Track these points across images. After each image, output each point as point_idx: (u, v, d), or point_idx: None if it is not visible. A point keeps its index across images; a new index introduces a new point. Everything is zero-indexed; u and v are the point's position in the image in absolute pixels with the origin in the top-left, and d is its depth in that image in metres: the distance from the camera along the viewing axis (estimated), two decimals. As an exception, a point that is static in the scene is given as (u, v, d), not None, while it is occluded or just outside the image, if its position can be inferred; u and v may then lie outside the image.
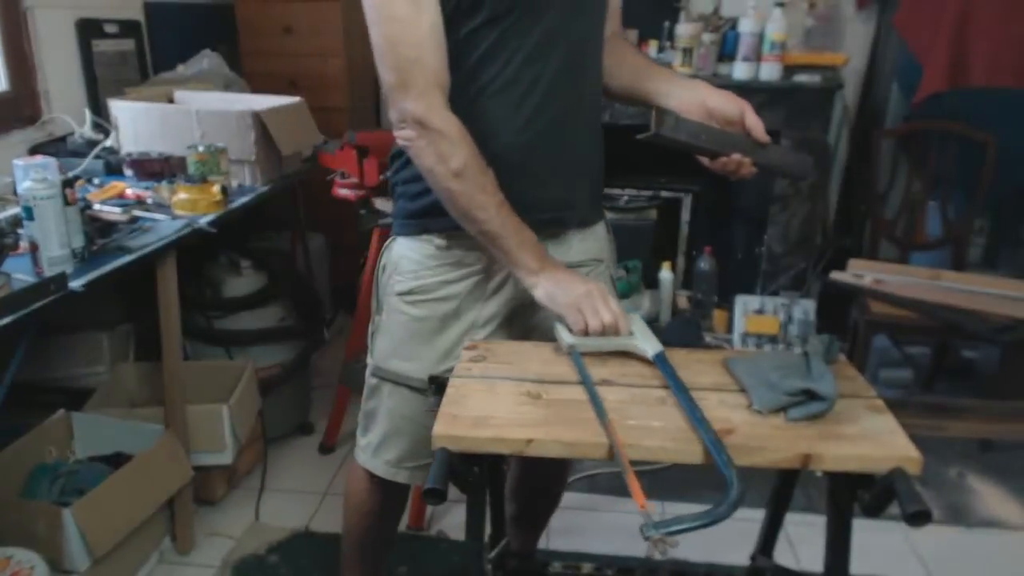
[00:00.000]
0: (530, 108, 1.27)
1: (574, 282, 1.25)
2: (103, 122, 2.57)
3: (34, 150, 2.38)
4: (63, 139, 2.50)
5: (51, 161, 1.78)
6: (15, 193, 1.95)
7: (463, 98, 1.24)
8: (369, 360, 1.48)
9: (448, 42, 1.21)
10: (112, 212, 1.96)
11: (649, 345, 1.28)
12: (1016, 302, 2.43)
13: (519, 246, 1.24)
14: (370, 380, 1.48)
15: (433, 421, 1.37)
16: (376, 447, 1.49)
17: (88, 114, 2.56)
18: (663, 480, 2.34)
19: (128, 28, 2.85)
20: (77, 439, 2.12)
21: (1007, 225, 3.26)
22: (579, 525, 2.25)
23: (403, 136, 1.24)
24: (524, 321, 1.44)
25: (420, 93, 1.19)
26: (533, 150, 1.29)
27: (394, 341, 1.43)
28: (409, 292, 1.40)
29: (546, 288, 1.25)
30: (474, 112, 1.25)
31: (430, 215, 1.34)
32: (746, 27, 3.04)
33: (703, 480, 2.30)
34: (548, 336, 1.34)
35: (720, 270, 3.40)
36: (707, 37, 3.11)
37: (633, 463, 1.01)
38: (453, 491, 1.04)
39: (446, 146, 1.20)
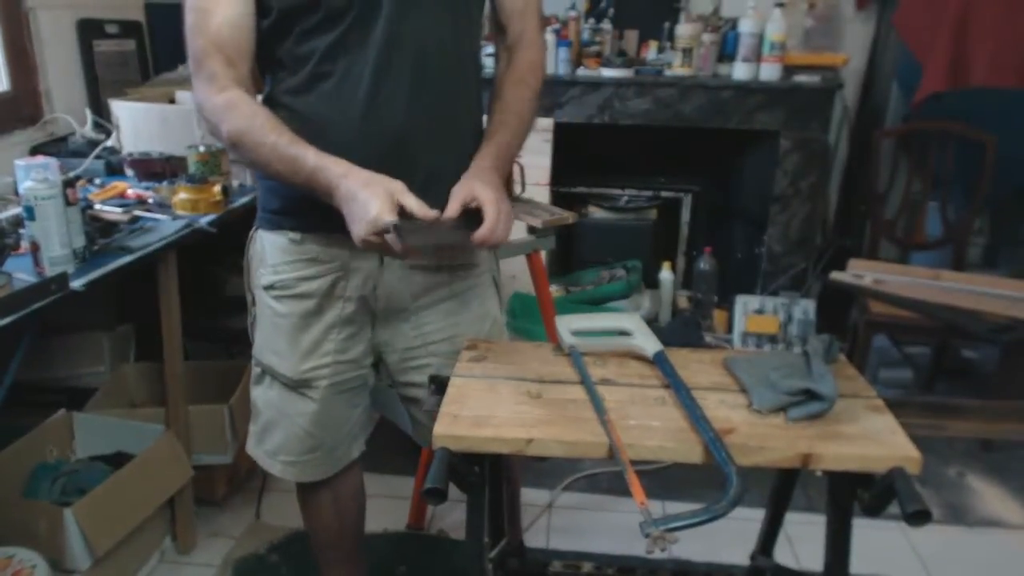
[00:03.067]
0: (360, 111, 1.24)
1: (360, 209, 1.12)
2: (104, 122, 2.57)
3: (35, 150, 2.38)
4: (64, 139, 2.50)
5: (52, 161, 1.78)
6: (16, 193, 1.95)
7: (300, 92, 1.27)
8: (253, 348, 1.49)
9: (285, 38, 1.25)
10: (113, 212, 1.96)
11: (649, 344, 1.29)
12: (1016, 302, 2.43)
13: (312, 184, 1.18)
14: (255, 368, 1.49)
15: (306, 419, 1.42)
16: (258, 436, 1.51)
17: (89, 114, 2.56)
18: (663, 480, 2.34)
19: (129, 28, 2.85)
20: (78, 439, 2.12)
21: (1007, 225, 3.27)
22: (579, 525, 2.25)
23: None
24: (393, 322, 1.41)
25: (206, 78, 1.24)
26: (367, 156, 1.21)
27: (264, 334, 1.44)
28: (271, 287, 1.40)
29: (348, 224, 1.15)
30: (309, 108, 1.26)
31: (285, 211, 1.35)
32: (746, 27, 3.04)
33: (703, 480, 2.31)
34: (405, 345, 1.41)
35: (720, 270, 3.41)
36: (707, 37, 3.12)
37: (633, 462, 1.02)
38: (453, 490, 1.05)
39: (218, 117, 1.22)
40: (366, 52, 1.23)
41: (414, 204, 1.12)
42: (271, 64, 1.30)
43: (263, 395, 1.48)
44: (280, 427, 1.47)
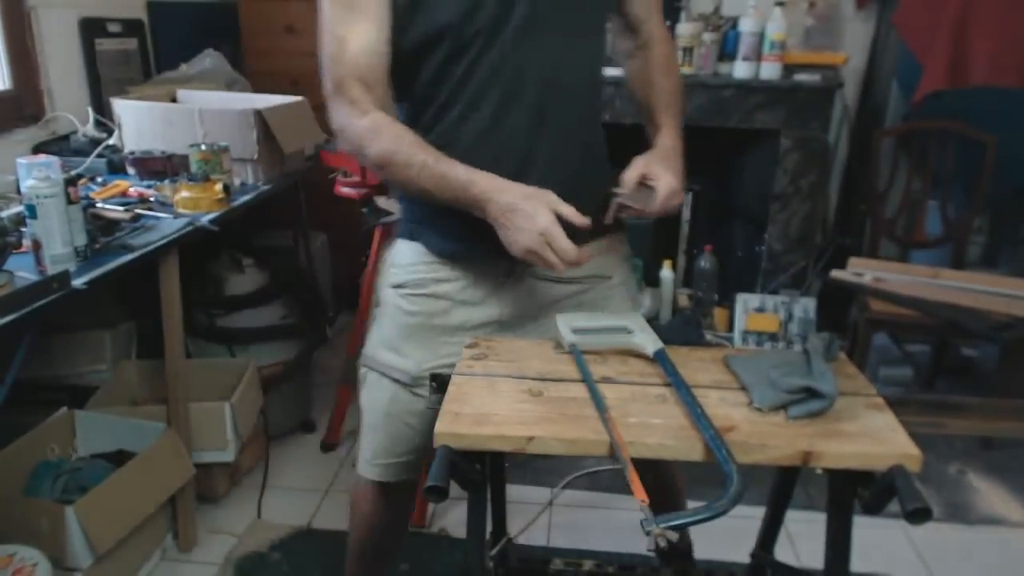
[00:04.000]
0: (484, 138, 1.30)
1: (525, 220, 1.18)
2: (106, 121, 2.58)
3: (37, 148, 2.38)
4: (66, 138, 2.50)
5: (54, 160, 1.79)
6: (18, 191, 1.95)
7: (429, 120, 1.32)
8: (363, 350, 1.50)
9: (413, 67, 1.29)
10: (115, 210, 1.97)
11: (650, 342, 1.29)
12: (1015, 300, 2.44)
13: (462, 199, 1.23)
14: (360, 370, 1.50)
15: (416, 418, 1.39)
16: (362, 445, 1.52)
17: (91, 113, 2.56)
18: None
19: (131, 27, 2.85)
20: (80, 437, 2.13)
21: (1007, 224, 3.27)
22: (580, 522, 2.26)
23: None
24: (518, 330, 1.44)
25: (348, 102, 1.27)
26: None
27: (384, 332, 1.45)
28: (402, 285, 1.42)
29: (504, 235, 1.22)
30: (437, 136, 1.30)
31: (423, 222, 1.40)
32: (746, 26, 3.04)
33: (703, 478, 2.29)
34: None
35: (720, 268, 3.41)
36: (707, 36, 3.11)
37: (634, 460, 1.02)
38: (454, 488, 1.05)
39: (364, 140, 1.27)
40: (491, 81, 1.27)
41: (569, 212, 1.19)
42: (401, 92, 1.34)
43: (367, 397, 1.48)
44: (382, 430, 1.47)
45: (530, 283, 1.42)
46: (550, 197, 1.20)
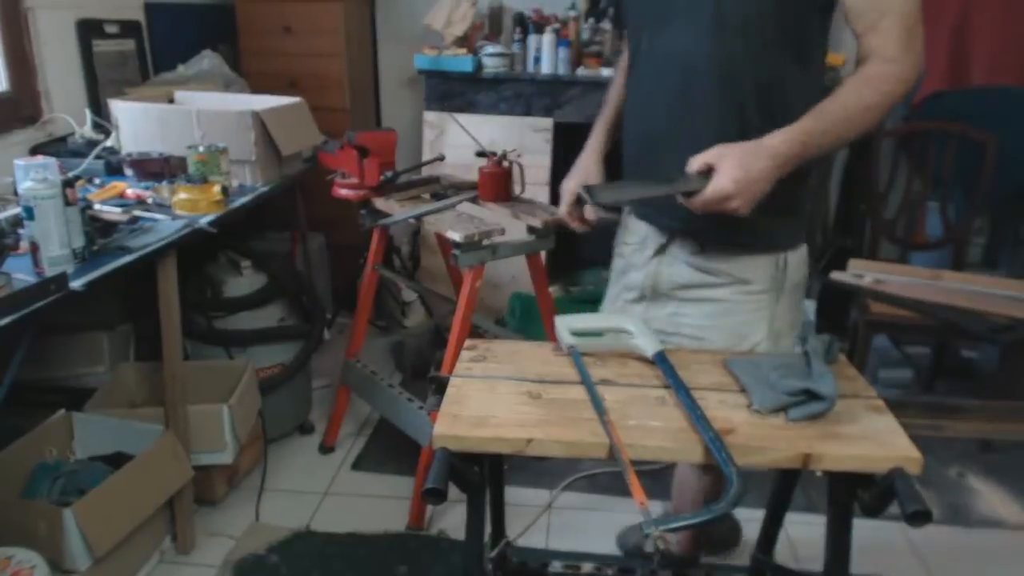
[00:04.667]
0: (633, 113, 1.51)
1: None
2: (104, 122, 2.57)
3: (35, 150, 2.38)
4: (64, 139, 2.50)
5: (51, 161, 1.78)
6: (16, 193, 1.95)
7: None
8: None
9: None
10: (112, 212, 1.96)
11: (649, 345, 1.29)
12: (1016, 302, 2.43)
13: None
14: None
15: None
16: None
17: (89, 114, 2.56)
18: (663, 480, 2.34)
19: (128, 28, 2.85)
20: (77, 439, 2.12)
21: (1007, 225, 3.27)
22: (579, 524, 2.25)
23: None
24: (650, 304, 1.55)
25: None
26: (630, 152, 1.51)
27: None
28: (618, 243, 1.68)
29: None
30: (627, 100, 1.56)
31: None
32: (746, 27, 3.03)
33: (703, 480, 2.30)
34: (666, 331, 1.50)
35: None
36: (707, 37, 3.11)
37: (633, 463, 1.01)
38: (453, 491, 1.05)
39: None
40: (648, 64, 1.43)
41: (568, 190, 1.56)
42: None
43: None
44: None
45: (671, 260, 1.51)
46: (581, 176, 1.57)
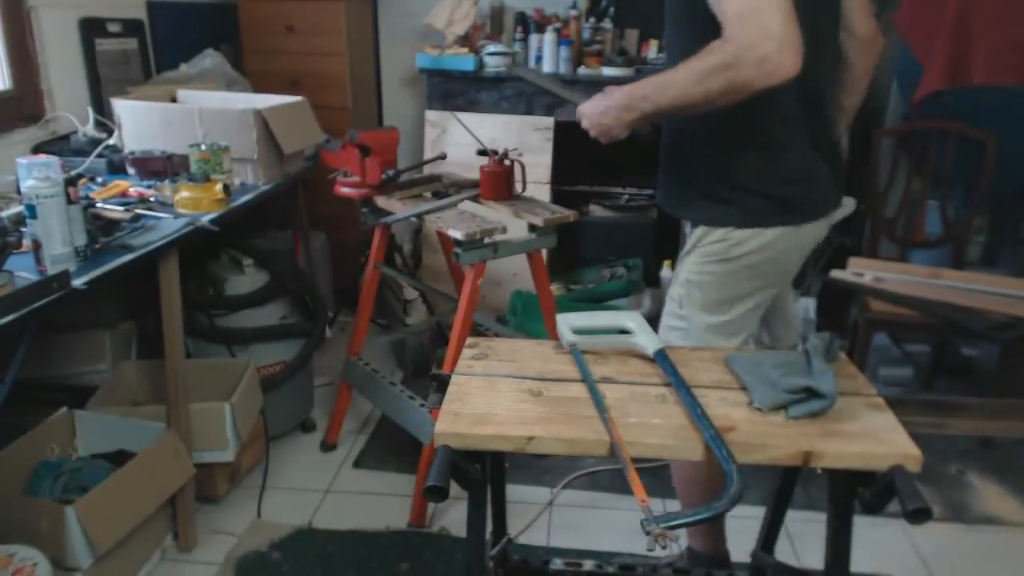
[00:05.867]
0: None
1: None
2: (106, 121, 2.58)
3: (37, 149, 2.38)
4: (66, 138, 2.50)
5: (54, 160, 1.79)
6: (18, 191, 1.95)
7: None
8: None
9: None
10: (115, 210, 1.97)
11: (650, 343, 1.29)
12: (1015, 300, 2.43)
13: None
14: None
15: None
16: None
17: (91, 113, 2.56)
18: (664, 478, 2.35)
19: (131, 27, 2.85)
20: (80, 437, 2.13)
21: (1006, 224, 3.26)
22: (580, 522, 2.25)
23: None
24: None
25: None
26: None
27: None
28: None
29: None
30: None
31: None
32: (747, 26, 3.03)
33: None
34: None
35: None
36: (708, 36, 3.11)
37: (634, 460, 1.02)
38: (455, 488, 1.05)
39: None
40: None
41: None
42: None
43: None
44: None
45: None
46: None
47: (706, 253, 1.59)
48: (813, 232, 1.59)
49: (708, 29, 1.31)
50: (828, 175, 1.59)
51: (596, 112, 1.51)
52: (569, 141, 3.31)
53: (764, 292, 1.64)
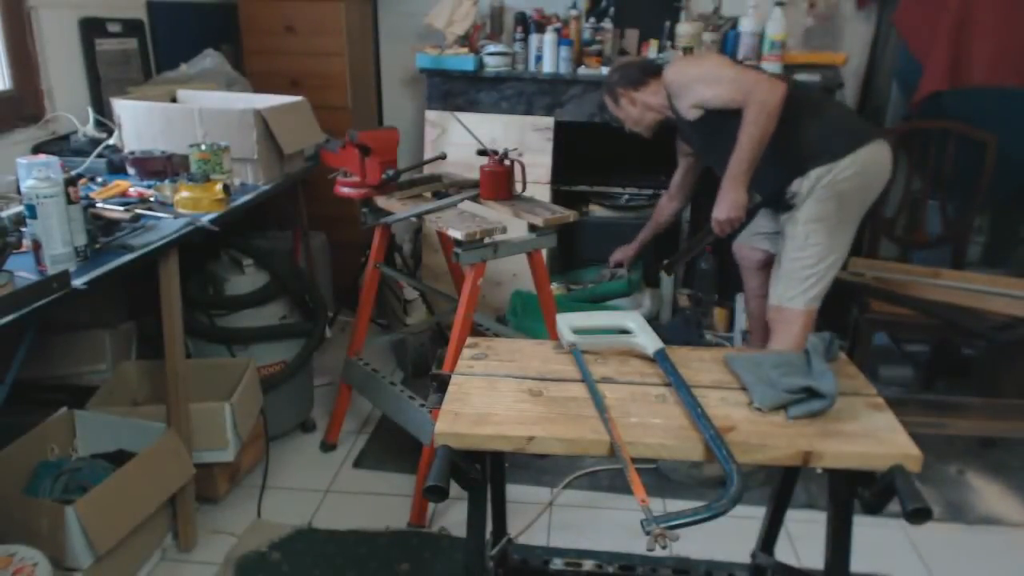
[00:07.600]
0: None
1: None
2: (106, 121, 2.58)
3: (37, 149, 2.38)
4: (66, 138, 2.50)
5: (54, 160, 1.79)
6: (18, 191, 1.95)
7: None
8: None
9: None
10: (115, 210, 1.96)
11: (650, 343, 1.29)
12: (1015, 300, 2.44)
13: None
14: None
15: None
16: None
17: (91, 113, 2.57)
18: (664, 477, 2.35)
19: (131, 27, 2.85)
20: (80, 437, 2.13)
21: (1006, 224, 3.26)
22: (580, 522, 2.25)
23: None
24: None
25: None
26: None
27: None
28: None
29: None
30: None
31: None
32: (746, 26, 3.04)
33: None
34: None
35: (721, 269, 3.40)
36: (707, 36, 3.11)
37: (634, 460, 1.02)
38: (455, 488, 1.05)
39: None
40: None
41: None
42: None
43: None
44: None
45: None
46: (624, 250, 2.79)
47: (823, 188, 2.15)
48: (884, 154, 2.24)
49: (732, 114, 2.10)
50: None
51: (731, 211, 2.14)
52: (569, 141, 3.31)
53: (863, 211, 2.26)
